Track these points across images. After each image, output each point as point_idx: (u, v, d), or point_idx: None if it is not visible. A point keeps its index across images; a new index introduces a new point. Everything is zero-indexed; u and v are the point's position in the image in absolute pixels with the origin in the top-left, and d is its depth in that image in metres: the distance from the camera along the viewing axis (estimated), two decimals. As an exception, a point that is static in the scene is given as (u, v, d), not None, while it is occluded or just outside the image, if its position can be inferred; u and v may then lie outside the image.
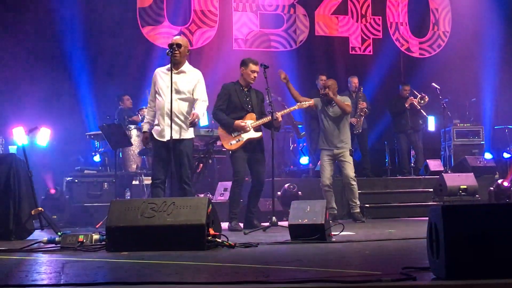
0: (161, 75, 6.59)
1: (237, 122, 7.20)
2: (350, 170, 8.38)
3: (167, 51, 6.43)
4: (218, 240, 4.93)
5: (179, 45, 6.46)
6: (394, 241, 5.48)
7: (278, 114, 7.22)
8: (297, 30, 12.56)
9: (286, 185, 9.22)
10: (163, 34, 11.59)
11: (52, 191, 9.06)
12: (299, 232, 5.43)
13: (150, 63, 10.37)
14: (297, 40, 12.55)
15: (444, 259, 2.96)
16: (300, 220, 5.45)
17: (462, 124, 11.60)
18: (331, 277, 3.10)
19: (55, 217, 8.34)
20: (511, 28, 12.77)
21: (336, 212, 8.34)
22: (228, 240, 4.95)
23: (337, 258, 4.29)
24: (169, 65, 6.47)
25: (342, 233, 5.84)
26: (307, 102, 7.83)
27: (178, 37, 6.95)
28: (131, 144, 9.38)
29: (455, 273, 2.93)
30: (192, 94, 6.51)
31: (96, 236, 5.19)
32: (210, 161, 9.98)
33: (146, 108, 7.27)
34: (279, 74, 7.95)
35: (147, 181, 8.86)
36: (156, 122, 6.54)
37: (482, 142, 11.59)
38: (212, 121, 9.60)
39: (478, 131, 11.62)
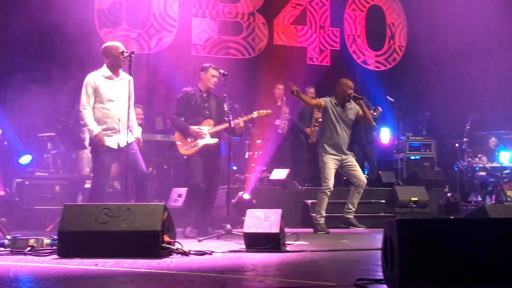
0: (101, 81, 6.52)
1: (193, 128, 7.19)
2: (362, 174, 8.29)
3: (124, 56, 6.42)
4: (172, 247, 4.90)
5: (132, 52, 6.45)
6: (347, 251, 5.54)
7: (241, 120, 7.24)
8: (256, 39, 12.62)
9: (241, 193, 9.21)
10: (120, 37, 11.45)
11: (1, 193, 8.84)
12: (254, 241, 5.43)
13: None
14: (256, 48, 12.60)
15: (398, 271, 3.01)
16: (255, 229, 5.45)
17: (415, 137, 11.82)
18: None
19: (3, 220, 8.14)
20: (463, 45, 13.08)
21: (323, 221, 8.15)
22: (182, 248, 4.92)
23: (292, 268, 4.31)
24: (103, 71, 6.56)
25: (296, 242, 5.87)
26: (265, 111, 7.85)
27: (118, 43, 6.83)
28: (85, 147, 9.23)
29: (409, 285, 2.98)
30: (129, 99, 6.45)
31: (47, 241, 5.10)
32: (165, 167, 9.94)
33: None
34: (291, 87, 7.73)
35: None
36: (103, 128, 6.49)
37: (433, 155, 11.84)
38: (168, 126, 9.57)
39: (430, 145, 11.87)
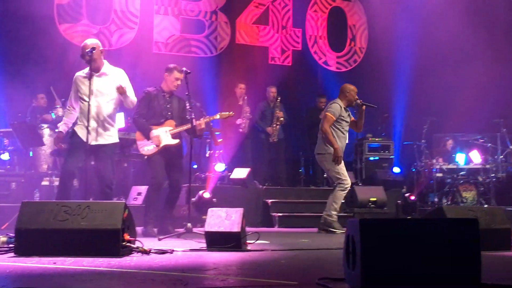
0: (81, 80, 6.57)
1: (153, 134, 7.16)
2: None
3: (86, 54, 6.38)
4: (133, 246, 4.86)
5: (93, 48, 6.41)
6: (308, 251, 5.57)
7: (202, 121, 7.21)
8: (218, 37, 12.59)
9: (201, 192, 9.18)
10: (81, 33, 11.29)
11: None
12: (215, 240, 5.42)
13: (67, 61, 10.10)
14: (218, 47, 12.57)
15: (360, 270, 3.05)
16: (216, 228, 5.44)
17: (374, 138, 11.96)
18: (251, 286, 3.11)
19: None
20: (423, 49, 13.30)
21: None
22: (143, 246, 4.88)
23: (254, 267, 4.31)
24: (87, 69, 6.47)
25: (257, 241, 5.88)
26: (228, 113, 7.84)
27: (90, 40, 6.78)
28: (43, 144, 9.08)
29: (370, 284, 3.02)
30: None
31: (3, 238, 5.00)
32: (125, 164, 9.83)
33: (60, 108, 7.14)
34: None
35: (58, 182, 8.59)
36: (79, 123, 6.55)
37: (391, 156, 11.99)
38: (129, 123, 9.47)
39: (389, 146, 12.02)
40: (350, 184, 8.11)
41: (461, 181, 11.04)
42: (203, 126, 7.25)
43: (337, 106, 8.03)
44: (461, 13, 12.92)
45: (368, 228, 3.07)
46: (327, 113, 8.00)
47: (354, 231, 3.15)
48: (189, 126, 7.08)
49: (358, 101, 8.07)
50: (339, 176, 7.92)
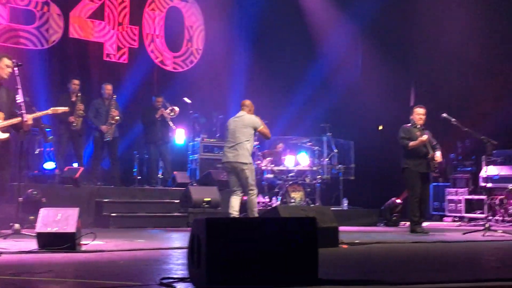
0: None
1: None
2: None
3: None
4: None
5: None
6: (146, 251, 5.51)
7: (30, 117, 6.81)
8: (50, 30, 12.01)
9: (29, 191, 8.71)
10: None
11: None
12: (47, 241, 5.18)
13: None
14: (49, 40, 11.99)
15: (205, 269, 3.08)
16: (50, 228, 5.20)
17: (209, 139, 12.11)
18: (92, 288, 3.02)
19: None
20: (257, 54, 13.76)
21: None
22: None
23: (92, 269, 4.19)
24: None
25: (92, 242, 5.71)
26: (62, 109, 7.50)
27: None
28: None
29: (215, 282, 3.06)
30: None
31: None
32: None
33: None
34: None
35: None
36: None
37: (225, 157, 12.18)
38: None
39: (223, 147, 12.19)
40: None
41: (290, 182, 11.53)
42: (30, 122, 6.85)
43: None
44: (291, 15, 13.62)
45: (214, 227, 3.11)
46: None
47: (200, 230, 3.17)
48: (19, 119, 6.68)
49: None
50: (253, 183, 8.64)
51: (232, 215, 8.61)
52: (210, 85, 13.18)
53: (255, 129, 8.75)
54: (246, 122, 8.72)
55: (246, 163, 8.59)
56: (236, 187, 8.70)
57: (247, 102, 8.97)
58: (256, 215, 8.67)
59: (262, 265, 3.13)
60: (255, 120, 8.79)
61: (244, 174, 8.61)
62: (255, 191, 8.76)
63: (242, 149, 8.58)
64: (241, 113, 8.83)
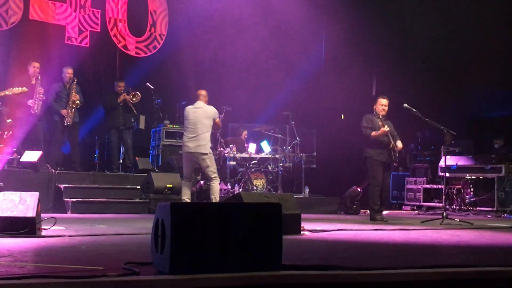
0: None
1: None
2: None
3: None
4: None
5: None
6: (108, 236, 5.48)
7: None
8: (9, 10, 11.72)
9: (-13, 175, 8.56)
10: None
11: None
12: (6, 225, 5.09)
13: None
14: (9, 21, 11.71)
15: (169, 254, 3.07)
16: (9, 213, 5.12)
17: (172, 125, 12.05)
18: (54, 273, 2.98)
19: None
20: (220, 40, 13.72)
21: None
22: None
23: (53, 254, 4.13)
24: None
25: (52, 227, 5.63)
26: (21, 89, 7.37)
27: None
28: None
29: (179, 268, 3.05)
30: None
31: None
32: None
33: None
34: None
35: None
36: None
37: (188, 144, 12.14)
38: None
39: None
40: None
41: (253, 170, 11.57)
42: None
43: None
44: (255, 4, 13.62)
45: (179, 212, 3.10)
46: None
47: (164, 214, 3.16)
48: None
49: None
50: (215, 171, 8.92)
51: (184, 202, 8.70)
52: (173, 71, 13.08)
53: (214, 120, 8.95)
54: (208, 113, 8.94)
55: (206, 153, 8.86)
56: (190, 175, 9.05)
57: (204, 92, 9.14)
58: (218, 200, 8.74)
59: (227, 250, 3.13)
60: (216, 112, 9.07)
61: (205, 163, 8.84)
62: (218, 178, 8.98)
63: (203, 139, 8.83)
64: (200, 103, 8.97)
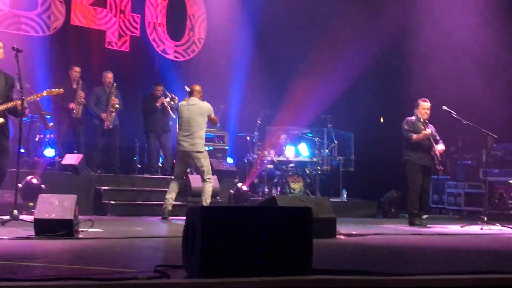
0: None
1: None
2: None
3: None
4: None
5: None
6: (143, 239, 5.53)
7: (17, 102, 6.76)
8: (51, 16, 11.96)
9: (29, 177, 8.72)
10: None
11: None
12: (45, 227, 5.19)
13: None
14: (51, 27, 11.95)
15: (199, 257, 3.08)
16: (47, 215, 5.21)
17: (209, 129, 12.08)
18: (86, 275, 3.02)
19: None
20: (259, 43, 13.72)
21: None
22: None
23: (88, 255, 4.19)
24: None
25: (90, 229, 5.71)
26: (57, 90, 7.48)
27: None
28: None
29: (209, 271, 3.06)
30: None
31: None
32: None
33: None
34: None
35: None
36: None
37: (226, 147, 12.22)
38: None
39: (223, 136, 12.24)
40: None
41: (290, 173, 11.53)
42: (25, 105, 6.84)
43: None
44: (293, 4, 13.56)
45: (209, 216, 3.11)
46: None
47: (195, 218, 3.17)
48: (13, 103, 6.69)
49: None
50: (209, 172, 8.69)
51: (167, 201, 8.60)
52: (211, 75, 13.13)
53: (209, 116, 8.81)
54: (202, 110, 8.74)
55: (201, 152, 8.72)
56: (180, 175, 8.90)
57: (198, 87, 8.90)
58: (208, 203, 8.54)
59: (256, 254, 3.13)
60: (210, 107, 8.84)
61: (200, 162, 8.68)
62: (211, 180, 8.79)
63: (198, 138, 8.70)
64: (193, 99, 8.79)
